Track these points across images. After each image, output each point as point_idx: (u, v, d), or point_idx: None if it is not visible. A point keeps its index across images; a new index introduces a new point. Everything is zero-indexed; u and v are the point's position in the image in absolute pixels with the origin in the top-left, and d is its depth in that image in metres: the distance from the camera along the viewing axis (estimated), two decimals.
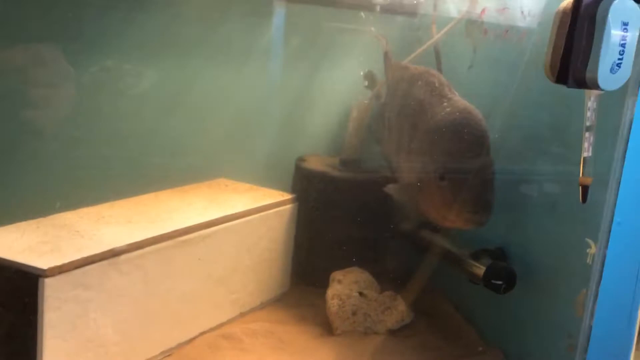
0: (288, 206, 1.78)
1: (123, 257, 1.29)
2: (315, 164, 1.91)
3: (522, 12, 1.36)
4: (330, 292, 1.64)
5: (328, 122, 2.04)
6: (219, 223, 1.54)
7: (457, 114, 1.27)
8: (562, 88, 1.05)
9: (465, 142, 1.25)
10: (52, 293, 1.14)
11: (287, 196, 1.79)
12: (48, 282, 1.13)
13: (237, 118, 1.88)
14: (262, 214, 1.69)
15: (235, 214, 1.60)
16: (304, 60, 1.95)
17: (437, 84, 1.40)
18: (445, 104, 1.32)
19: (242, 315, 1.67)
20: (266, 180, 1.85)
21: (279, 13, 1.82)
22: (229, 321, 1.62)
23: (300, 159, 1.94)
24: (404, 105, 1.52)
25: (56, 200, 1.43)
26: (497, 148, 1.33)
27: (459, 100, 1.33)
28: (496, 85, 1.50)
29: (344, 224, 1.82)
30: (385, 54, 1.76)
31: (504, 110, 1.45)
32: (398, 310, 1.63)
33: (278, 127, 1.99)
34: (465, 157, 1.25)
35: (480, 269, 1.44)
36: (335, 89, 2.00)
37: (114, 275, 1.27)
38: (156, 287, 1.38)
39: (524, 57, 1.39)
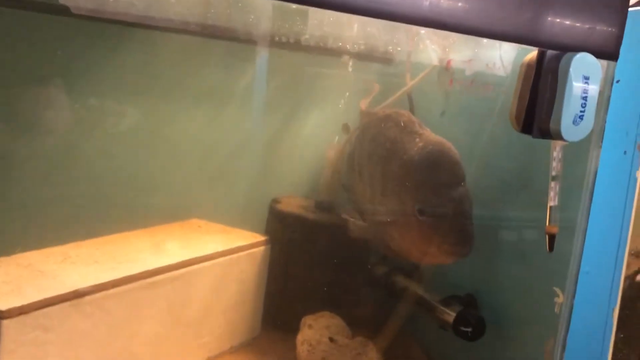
0: (261, 248, 1.75)
1: (87, 298, 1.26)
2: (289, 206, 1.89)
3: (487, 65, 1.40)
4: (300, 337, 1.61)
5: (305, 164, 2.04)
6: (189, 265, 1.51)
7: (431, 146, 1.29)
8: (529, 138, 1.07)
9: (442, 173, 1.27)
10: (9, 335, 1.10)
11: (260, 238, 1.77)
12: (6, 323, 1.10)
13: (212, 159, 1.88)
14: (234, 256, 1.66)
15: (206, 255, 1.58)
16: (283, 103, 1.97)
17: (407, 122, 1.42)
18: (417, 139, 1.34)
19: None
20: (240, 221, 1.83)
21: (261, 57, 1.82)
22: None
23: (275, 201, 1.91)
24: (375, 147, 1.53)
25: (21, 239, 1.41)
26: (467, 195, 1.34)
27: (430, 134, 1.35)
28: (467, 133, 1.53)
29: (317, 268, 1.80)
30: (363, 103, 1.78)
31: (475, 158, 1.47)
32: (369, 357, 1.59)
33: (253, 169, 1.98)
34: (442, 188, 1.26)
35: (450, 316, 1.45)
36: (313, 132, 2.02)
37: (77, 317, 1.24)
38: (120, 330, 1.35)
39: (493, 107, 1.42)
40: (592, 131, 1.04)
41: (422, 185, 1.29)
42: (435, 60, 1.59)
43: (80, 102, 1.53)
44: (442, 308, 1.50)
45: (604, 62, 1.03)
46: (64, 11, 1.29)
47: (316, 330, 1.63)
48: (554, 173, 1.10)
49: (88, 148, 1.59)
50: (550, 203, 1.10)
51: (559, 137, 1.02)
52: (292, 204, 1.91)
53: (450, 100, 1.63)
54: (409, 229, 1.34)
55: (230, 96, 1.87)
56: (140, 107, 1.70)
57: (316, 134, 2.00)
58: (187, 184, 1.82)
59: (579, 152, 1.13)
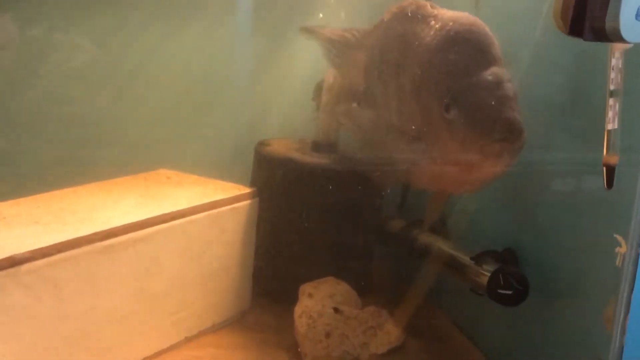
0: (246, 202, 1.76)
1: (25, 266, 1.24)
2: (280, 149, 1.90)
3: None
4: (298, 308, 1.62)
5: (298, 97, 2.05)
6: (155, 224, 1.51)
7: (450, 24, 1.27)
8: (581, 43, 1.04)
9: (468, 52, 1.25)
10: None
11: (245, 190, 1.78)
12: None
13: (183, 96, 1.92)
14: (212, 212, 1.66)
15: (177, 212, 1.57)
16: (269, 25, 2.00)
17: (415, 8, 1.40)
18: (431, 22, 1.33)
19: (188, 340, 1.65)
20: (219, 171, 1.85)
21: None
22: (171, 348, 1.60)
23: (262, 144, 1.93)
24: (385, 52, 1.52)
25: None
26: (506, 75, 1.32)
27: (447, 11, 1.34)
28: (502, 40, 1.47)
29: (317, 224, 1.82)
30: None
31: (515, 75, 1.43)
32: (384, 331, 1.61)
33: (235, 106, 2.02)
34: (471, 71, 1.23)
35: (484, 276, 1.45)
36: (307, 57, 2.02)
37: (15, 290, 1.23)
38: (71, 305, 1.35)
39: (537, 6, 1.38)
40: None
41: (445, 74, 1.27)
42: None
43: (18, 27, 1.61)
44: (475, 267, 1.50)
45: None
46: None
47: (318, 300, 1.63)
48: (612, 87, 1.05)
49: (29, 88, 1.65)
50: (609, 126, 1.06)
51: (618, 37, 0.98)
52: (284, 147, 1.92)
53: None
54: (437, 138, 1.33)
55: (204, 17, 1.90)
56: (95, 32, 1.77)
57: (313, 60, 1.99)
58: (152, 127, 1.88)
59: None
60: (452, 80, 1.26)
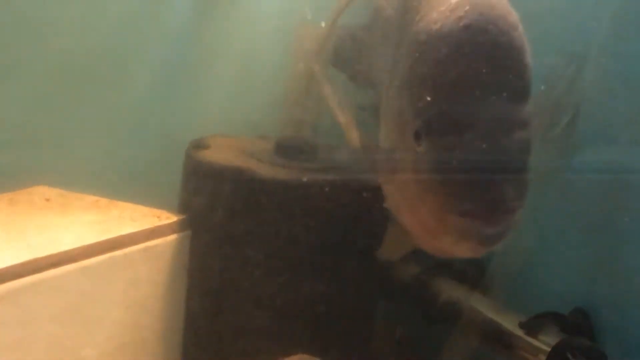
0: (171, 238, 1.73)
1: None
2: (225, 154, 1.83)
3: None
4: None
5: (248, 77, 2.07)
6: (20, 274, 1.44)
7: (467, 7, 1.23)
8: None
9: (470, 63, 1.22)
10: None
11: (170, 218, 1.74)
12: None
13: (72, 73, 1.90)
14: (114, 254, 1.61)
15: (57, 256, 1.50)
16: None
17: None
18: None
19: None
20: (129, 187, 1.84)
21: None
22: None
23: (197, 145, 1.86)
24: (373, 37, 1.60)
25: None
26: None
27: None
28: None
29: (283, 270, 1.74)
30: None
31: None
32: None
33: (154, 88, 2.00)
34: (473, 94, 1.20)
35: (541, 352, 1.47)
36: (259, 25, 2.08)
37: None
38: None
39: None
40: None
41: (424, 88, 1.26)
42: None
43: None
44: (527, 338, 1.51)
45: None
46: None
47: None
48: None
49: None
50: None
51: None
52: (231, 150, 1.87)
53: None
54: (403, 172, 1.36)
55: None
56: None
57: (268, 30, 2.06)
58: (22, 121, 1.85)
59: None
60: (430, 98, 1.25)
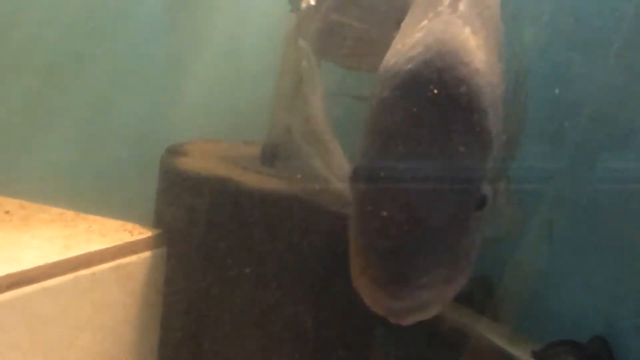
0: (145, 255, 1.74)
1: None
2: (205, 161, 1.85)
3: None
4: None
5: (232, 76, 2.07)
6: None
7: (421, 48, 1.20)
8: None
9: (413, 115, 1.18)
10: None
11: (144, 233, 1.76)
12: None
13: (36, 69, 1.95)
14: (81, 274, 1.62)
15: (17, 275, 1.52)
16: None
17: None
18: (423, 22, 1.28)
19: None
20: (99, 197, 1.85)
21: None
22: None
23: (174, 151, 1.85)
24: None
25: None
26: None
27: (451, 20, 1.27)
28: None
29: (269, 291, 1.75)
30: None
31: None
32: None
33: (127, 87, 2.01)
34: (403, 152, 1.17)
35: None
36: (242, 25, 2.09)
37: None
38: None
39: None
40: None
41: (369, 129, 1.24)
42: None
43: None
44: None
45: None
46: None
47: None
48: None
49: None
50: None
51: None
52: (211, 157, 1.88)
53: None
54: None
55: None
56: None
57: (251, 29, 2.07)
58: None
59: None
60: (366, 143, 1.24)
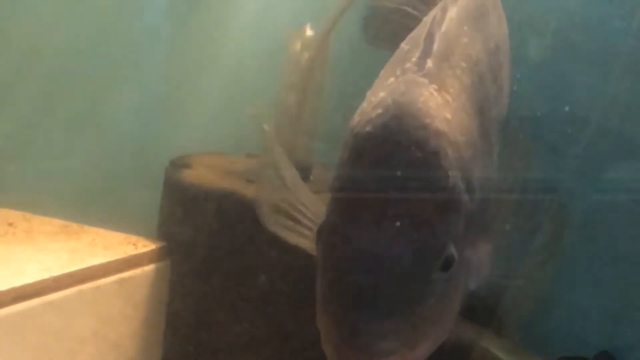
0: (149, 268, 1.74)
1: None
2: (212, 175, 1.82)
3: None
4: None
5: (235, 89, 2.04)
6: None
7: (380, 110, 1.18)
8: None
9: (377, 175, 1.18)
10: None
11: (148, 245, 1.75)
12: None
13: (44, 89, 1.90)
14: (84, 287, 1.61)
15: (20, 289, 1.51)
16: None
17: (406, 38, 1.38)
18: (390, 80, 1.26)
19: None
20: (105, 210, 1.82)
21: None
22: None
23: (178, 164, 1.83)
24: None
25: None
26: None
27: (414, 80, 1.24)
28: None
29: (279, 307, 1.76)
30: None
31: None
32: None
33: (129, 97, 1.98)
34: (359, 216, 1.15)
35: None
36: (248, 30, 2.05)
37: None
38: None
39: None
40: None
41: (332, 187, 1.23)
42: None
43: None
44: None
45: None
46: None
47: None
48: None
49: None
50: None
51: None
52: (216, 169, 1.87)
53: None
54: None
55: None
56: None
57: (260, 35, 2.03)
58: None
59: None
60: (330, 201, 1.22)
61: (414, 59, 1.25)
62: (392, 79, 1.25)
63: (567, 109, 1.58)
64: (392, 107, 1.16)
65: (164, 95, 2.08)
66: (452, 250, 1.10)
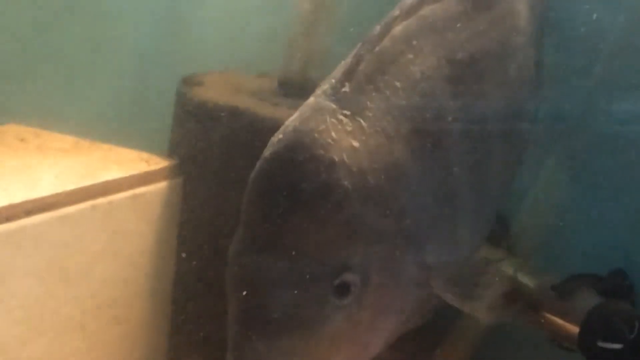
0: (161, 185, 1.74)
1: None
2: (222, 92, 1.82)
3: None
4: None
5: (246, 7, 2.05)
6: None
7: (281, 135, 1.22)
8: None
9: (268, 201, 1.20)
10: None
11: (159, 163, 1.76)
12: None
13: (49, 8, 1.94)
14: (97, 202, 1.61)
15: (33, 202, 1.50)
16: None
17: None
18: (309, 101, 1.27)
19: None
20: (115, 127, 1.85)
21: None
22: None
23: (189, 82, 1.86)
24: None
25: None
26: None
27: (320, 106, 1.24)
28: None
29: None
30: None
31: None
32: None
33: (140, 20, 1.99)
34: (261, 234, 1.19)
35: (575, 317, 1.46)
36: None
37: None
38: None
39: None
40: None
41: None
42: None
43: None
44: (559, 302, 1.51)
45: None
46: None
47: None
48: None
49: None
50: None
51: None
52: (228, 87, 1.86)
53: None
54: None
55: None
56: None
57: None
58: None
59: None
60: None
61: (333, 81, 1.24)
62: (310, 100, 1.25)
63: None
64: (288, 135, 1.18)
65: (176, 15, 2.04)
66: (350, 277, 1.11)
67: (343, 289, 1.10)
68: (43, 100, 1.88)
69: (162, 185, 1.72)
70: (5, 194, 1.50)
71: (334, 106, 1.18)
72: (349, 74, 1.22)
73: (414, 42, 1.29)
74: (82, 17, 1.97)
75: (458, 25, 1.40)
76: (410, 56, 1.28)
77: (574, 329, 1.42)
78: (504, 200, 1.57)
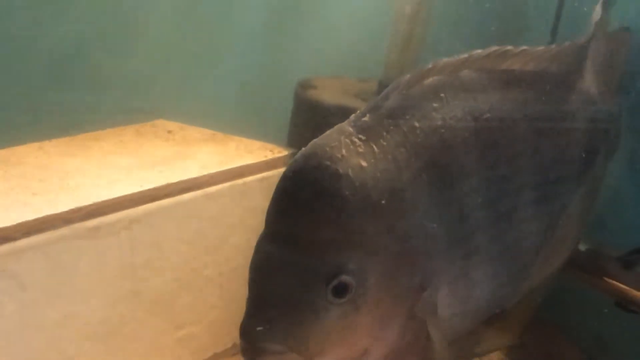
0: (282, 170, 1.73)
1: None
2: (333, 93, 1.90)
3: None
4: None
5: (350, 19, 2.06)
6: (155, 198, 1.54)
7: (305, 150, 1.25)
8: None
9: (281, 192, 1.24)
10: None
11: (281, 152, 1.81)
12: None
13: (187, 20, 1.99)
14: (235, 183, 1.70)
15: (186, 182, 1.60)
16: None
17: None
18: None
19: None
20: (242, 123, 1.89)
21: None
22: None
23: (305, 85, 1.95)
24: None
25: None
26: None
27: (340, 129, 1.27)
28: None
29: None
30: None
31: None
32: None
33: (263, 32, 2.05)
34: (276, 237, 1.23)
35: (638, 285, 1.47)
36: None
37: None
38: (39, 312, 1.35)
39: None
40: None
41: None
42: None
43: None
44: (623, 270, 1.51)
45: None
46: None
47: None
48: None
49: None
50: None
51: None
52: (337, 90, 1.93)
53: None
54: None
55: None
56: None
57: None
58: (146, 61, 1.93)
59: None
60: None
61: (359, 111, 1.26)
62: (337, 125, 1.25)
63: None
64: (307, 147, 1.20)
65: (292, 25, 2.08)
66: (349, 279, 1.13)
67: (339, 288, 1.13)
68: (185, 100, 1.95)
69: (283, 170, 1.74)
70: (162, 175, 1.59)
71: (351, 130, 1.21)
72: (373, 108, 1.24)
73: (442, 95, 1.29)
74: (218, 31, 2.02)
75: (495, 92, 1.38)
76: (435, 105, 1.27)
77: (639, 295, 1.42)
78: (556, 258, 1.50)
